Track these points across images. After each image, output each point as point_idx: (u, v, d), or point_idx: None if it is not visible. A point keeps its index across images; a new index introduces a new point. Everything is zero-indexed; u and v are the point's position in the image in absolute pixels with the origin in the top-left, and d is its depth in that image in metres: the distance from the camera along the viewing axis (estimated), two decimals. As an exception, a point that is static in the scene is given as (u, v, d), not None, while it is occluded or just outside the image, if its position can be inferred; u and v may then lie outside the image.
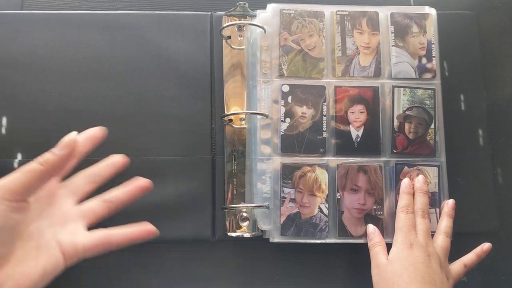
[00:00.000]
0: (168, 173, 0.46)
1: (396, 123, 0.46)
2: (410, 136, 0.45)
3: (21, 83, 0.46)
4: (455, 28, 0.51)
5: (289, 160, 0.44)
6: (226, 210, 0.45)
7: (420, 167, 0.45)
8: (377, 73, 0.46)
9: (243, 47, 0.48)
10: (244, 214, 0.45)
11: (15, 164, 0.45)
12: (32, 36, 0.47)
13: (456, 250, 0.43)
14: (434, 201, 0.45)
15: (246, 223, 0.45)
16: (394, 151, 0.45)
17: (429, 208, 0.44)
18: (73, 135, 0.35)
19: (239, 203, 0.45)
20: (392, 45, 0.47)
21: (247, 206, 0.44)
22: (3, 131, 0.45)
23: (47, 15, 0.48)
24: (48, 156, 0.34)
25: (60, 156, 0.34)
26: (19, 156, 0.45)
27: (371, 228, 0.43)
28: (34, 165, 0.33)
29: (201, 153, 0.46)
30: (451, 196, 0.45)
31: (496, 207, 0.48)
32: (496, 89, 0.51)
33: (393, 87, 0.46)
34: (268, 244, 0.44)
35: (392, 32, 0.47)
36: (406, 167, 0.45)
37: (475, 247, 0.44)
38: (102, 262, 0.42)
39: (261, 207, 0.44)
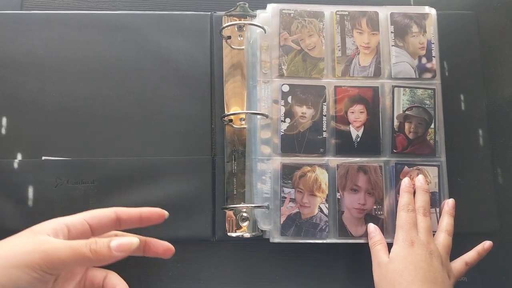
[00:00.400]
0: (168, 173, 0.46)
1: (396, 123, 0.46)
2: (410, 136, 0.45)
3: (21, 83, 0.46)
4: (455, 28, 0.51)
5: (289, 160, 0.44)
6: (226, 210, 0.45)
7: (420, 167, 0.45)
8: (377, 73, 0.46)
9: (243, 47, 0.48)
10: (244, 214, 0.45)
11: (15, 165, 0.45)
12: (32, 36, 0.47)
13: (456, 250, 0.43)
14: (434, 201, 0.45)
15: (246, 223, 0.45)
16: (394, 151, 0.45)
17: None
18: (136, 242, 0.33)
19: (239, 203, 0.45)
20: (392, 45, 0.47)
21: (247, 206, 0.44)
22: (3, 131, 0.45)
23: (47, 15, 0.48)
24: (102, 249, 0.31)
25: (113, 257, 0.32)
26: (19, 156, 0.45)
27: (372, 227, 0.43)
28: (85, 250, 0.31)
29: (201, 153, 0.46)
30: (451, 196, 0.45)
31: (496, 207, 0.48)
32: (496, 89, 0.51)
33: (393, 87, 0.46)
34: (268, 244, 0.44)
35: (392, 32, 0.47)
36: (406, 167, 0.45)
37: (474, 247, 0.44)
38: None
39: (261, 207, 0.44)
